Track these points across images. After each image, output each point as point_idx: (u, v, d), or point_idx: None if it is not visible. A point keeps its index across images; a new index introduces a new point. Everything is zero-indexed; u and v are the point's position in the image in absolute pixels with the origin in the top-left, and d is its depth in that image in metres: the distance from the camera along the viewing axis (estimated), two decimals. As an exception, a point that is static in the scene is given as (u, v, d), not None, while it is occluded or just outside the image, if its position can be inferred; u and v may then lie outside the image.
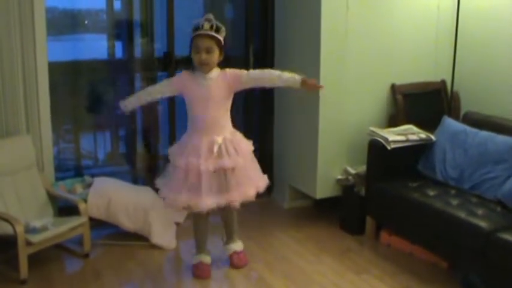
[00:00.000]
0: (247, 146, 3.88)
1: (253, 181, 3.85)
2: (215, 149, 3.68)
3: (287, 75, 3.74)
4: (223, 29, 3.67)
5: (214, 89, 3.70)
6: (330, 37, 4.45)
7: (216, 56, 3.65)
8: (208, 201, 3.66)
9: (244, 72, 3.78)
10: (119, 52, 5.16)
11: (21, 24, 4.10)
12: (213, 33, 3.61)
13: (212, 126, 3.73)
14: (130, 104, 3.88)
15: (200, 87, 3.70)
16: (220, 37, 3.64)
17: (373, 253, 4.29)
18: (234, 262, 4.03)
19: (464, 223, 3.60)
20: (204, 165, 3.64)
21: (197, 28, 3.63)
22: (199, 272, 3.90)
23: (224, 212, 3.95)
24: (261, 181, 3.93)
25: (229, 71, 3.76)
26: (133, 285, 3.88)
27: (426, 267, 4.01)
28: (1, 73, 4.09)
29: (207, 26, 3.61)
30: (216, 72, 3.72)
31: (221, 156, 3.69)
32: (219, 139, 3.71)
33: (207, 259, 3.96)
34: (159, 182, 3.90)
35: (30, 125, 4.25)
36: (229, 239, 4.10)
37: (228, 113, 3.83)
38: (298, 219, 4.92)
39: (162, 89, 3.88)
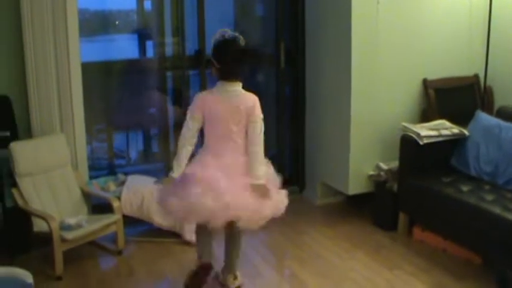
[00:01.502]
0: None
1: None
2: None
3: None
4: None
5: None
6: (360, 32, 4.43)
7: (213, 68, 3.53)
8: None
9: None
10: (150, 51, 5.20)
11: (54, 26, 4.16)
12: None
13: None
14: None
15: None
16: None
17: (406, 249, 4.25)
18: None
19: (499, 218, 3.56)
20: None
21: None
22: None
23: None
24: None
25: (256, 100, 3.55)
26: (167, 282, 3.92)
27: (459, 264, 3.96)
28: (36, 74, 4.16)
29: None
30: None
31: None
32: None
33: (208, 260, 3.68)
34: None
35: (64, 124, 4.31)
36: (230, 264, 3.76)
37: None
38: (330, 215, 4.92)
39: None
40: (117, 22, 5.51)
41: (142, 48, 5.33)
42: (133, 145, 5.73)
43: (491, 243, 3.61)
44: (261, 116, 3.46)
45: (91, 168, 4.75)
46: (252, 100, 3.45)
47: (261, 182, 3.39)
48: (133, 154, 5.70)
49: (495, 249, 3.59)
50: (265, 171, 3.47)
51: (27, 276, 2.65)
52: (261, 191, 3.37)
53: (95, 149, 5.28)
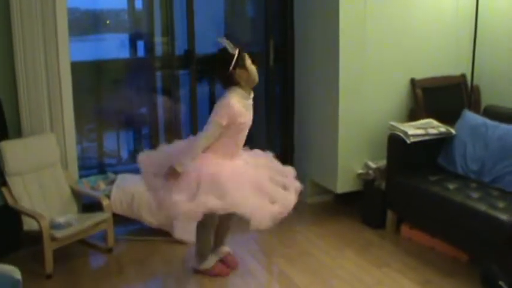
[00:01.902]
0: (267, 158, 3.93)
1: None
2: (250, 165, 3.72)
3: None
4: None
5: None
6: (348, 32, 4.47)
7: None
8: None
9: None
10: (140, 51, 5.22)
11: (43, 26, 4.18)
12: None
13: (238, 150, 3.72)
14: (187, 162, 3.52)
15: (248, 111, 3.63)
16: None
17: (394, 247, 4.29)
18: (229, 264, 3.95)
19: (485, 216, 3.60)
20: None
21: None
22: (219, 271, 3.87)
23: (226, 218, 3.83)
24: None
25: None
26: (156, 280, 3.94)
27: (447, 261, 4.00)
28: (25, 74, 4.17)
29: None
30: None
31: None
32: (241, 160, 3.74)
33: (213, 260, 3.90)
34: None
35: (54, 124, 4.33)
36: (221, 243, 3.99)
37: None
38: (320, 214, 4.96)
39: (214, 136, 3.54)
40: (107, 21, 5.52)
41: (132, 48, 5.34)
42: (124, 145, 5.75)
43: (477, 240, 3.66)
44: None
45: (81, 168, 4.76)
46: None
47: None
48: (124, 154, 5.71)
49: (481, 246, 3.63)
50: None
51: (15, 272, 2.68)
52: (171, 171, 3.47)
53: (85, 149, 5.29)
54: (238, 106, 3.51)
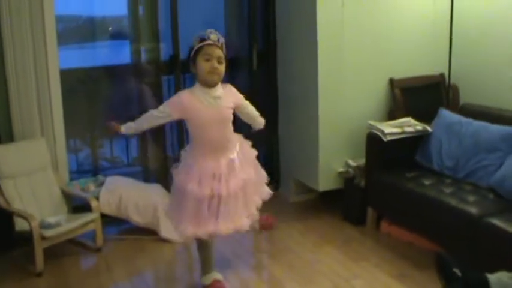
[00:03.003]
0: (252, 152, 3.80)
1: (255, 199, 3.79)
2: (236, 166, 3.58)
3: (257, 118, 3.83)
4: (224, 46, 3.53)
5: (224, 107, 3.54)
6: (326, 35, 4.60)
7: (224, 69, 3.51)
8: (229, 225, 3.55)
9: (245, 101, 3.73)
10: (127, 58, 5.34)
11: (33, 35, 4.32)
12: (222, 46, 3.50)
13: (224, 145, 3.57)
14: (130, 129, 3.68)
15: (208, 107, 3.49)
16: (224, 52, 3.52)
17: (373, 242, 4.42)
18: None
19: (455, 210, 3.74)
20: (226, 190, 3.51)
21: (203, 39, 3.47)
22: None
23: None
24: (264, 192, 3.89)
25: (233, 88, 3.69)
26: (143, 277, 4.08)
27: (423, 255, 4.11)
28: (16, 81, 4.33)
29: (214, 37, 3.47)
30: (220, 88, 3.56)
31: (236, 173, 3.58)
32: (233, 155, 3.61)
33: (219, 276, 3.75)
34: (170, 212, 3.78)
35: (44, 129, 4.48)
36: (210, 268, 3.76)
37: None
38: (303, 212, 5.09)
39: (159, 117, 3.59)
40: (96, 29, 5.66)
41: (119, 55, 5.46)
42: (116, 149, 5.89)
43: (449, 233, 3.78)
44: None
45: (75, 172, 4.92)
46: None
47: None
48: (118, 157, 5.86)
49: (453, 239, 3.75)
50: None
51: None
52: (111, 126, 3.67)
53: (78, 156, 5.47)
54: (190, 100, 3.48)
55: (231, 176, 3.53)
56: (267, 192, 3.89)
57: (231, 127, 3.62)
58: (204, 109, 3.47)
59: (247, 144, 3.78)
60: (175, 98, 3.60)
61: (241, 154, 3.65)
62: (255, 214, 3.77)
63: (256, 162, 3.84)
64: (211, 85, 3.48)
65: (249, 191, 3.67)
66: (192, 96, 3.51)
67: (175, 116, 3.57)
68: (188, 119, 3.55)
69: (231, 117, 3.61)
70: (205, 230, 3.50)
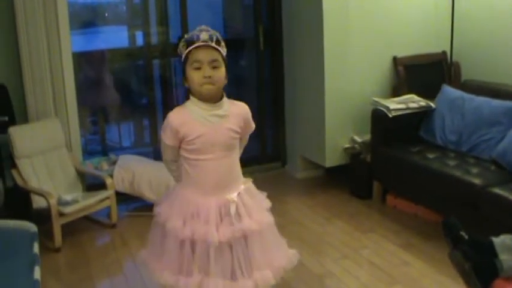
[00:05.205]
0: (264, 201, 2.92)
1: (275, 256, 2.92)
2: (232, 210, 2.67)
3: None
4: (223, 43, 2.68)
5: (226, 128, 2.68)
6: (332, 15, 4.71)
7: (223, 72, 2.65)
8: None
9: (250, 131, 2.90)
10: (139, 40, 5.45)
11: (45, 18, 4.43)
12: (216, 45, 2.62)
13: (221, 180, 2.71)
14: (177, 179, 2.87)
15: (204, 126, 2.65)
16: (223, 51, 2.67)
17: (380, 215, 4.57)
18: None
19: (459, 181, 3.87)
20: (215, 235, 2.62)
21: (192, 41, 2.62)
22: None
23: None
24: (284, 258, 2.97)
25: (248, 110, 2.83)
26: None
27: (428, 226, 4.26)
28: (30, 64, 4.44)
29: (205, 36, 2.61)
30: (227, 104, 2.71)
31: (238, 219, 2.70)
32: (234, 196, 2.70)
33: None
34: (145, 255, 2.95)
35: (58, 110, 4.60)
36: None
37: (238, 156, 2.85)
38: (311, 187, 5.22)
39: (169, 153, 2.79)
40: (106, 14, 5.78)
41: (131, 38, 5.59)
42: (126, 132, 6.02)
43: (453, 203, 3.91)
44: None
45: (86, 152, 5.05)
46: None
47: None
48: (125, 142, 6.00)
49: (457, 208, 3.85)
50: None
51: (32, 227, 3.20)
52: None
53: (88, 141, 5.62)
54: (181, 119, 2.66)
55: (224, 222, 2.67)
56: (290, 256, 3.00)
57: (235, 157, 2.79)
58: (198, 128, 2.65)
59: (259, 193, 2.91)
60: (164, 124, 2.73)
61: (247, 199, 2.77)
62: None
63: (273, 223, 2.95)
64: (209, 99, 2.65)
65: (255, 249, 2.76)
66: (182, 114, 2.68)
67: (173, 144, 2.72)
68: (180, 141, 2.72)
69: (236, 143, 2.77)
70: (188, 281, 2.65)
